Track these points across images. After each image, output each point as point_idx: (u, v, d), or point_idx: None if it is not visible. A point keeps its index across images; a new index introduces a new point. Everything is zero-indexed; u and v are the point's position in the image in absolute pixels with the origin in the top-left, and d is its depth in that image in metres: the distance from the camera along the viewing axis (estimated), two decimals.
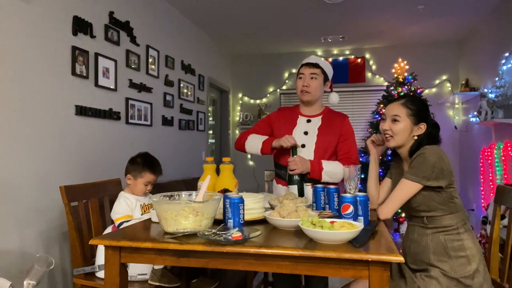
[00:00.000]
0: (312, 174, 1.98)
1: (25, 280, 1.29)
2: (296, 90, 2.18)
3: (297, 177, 1.91)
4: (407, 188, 1.57)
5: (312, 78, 2.07)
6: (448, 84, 5.31)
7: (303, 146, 2.08)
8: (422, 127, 1.66)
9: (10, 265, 2.04)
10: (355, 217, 1.37)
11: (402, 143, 1.69)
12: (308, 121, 2.14)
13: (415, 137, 1.67)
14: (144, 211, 2.13)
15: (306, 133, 2.10)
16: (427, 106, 1.74)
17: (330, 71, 2.15)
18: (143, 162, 2.13)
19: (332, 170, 2.00)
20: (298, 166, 1.91)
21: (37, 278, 1.30)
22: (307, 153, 2.07)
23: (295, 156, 1.95)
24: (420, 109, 1.68)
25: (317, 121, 2.13)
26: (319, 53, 5.73)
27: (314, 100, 2.13)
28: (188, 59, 4.38)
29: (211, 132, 5.44)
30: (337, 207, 1.57)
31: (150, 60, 3.50)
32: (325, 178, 1.99)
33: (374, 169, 1.86)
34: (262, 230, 1.34)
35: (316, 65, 2.08)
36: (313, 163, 1.97)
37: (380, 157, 1.99)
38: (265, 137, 2.12)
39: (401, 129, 1.66)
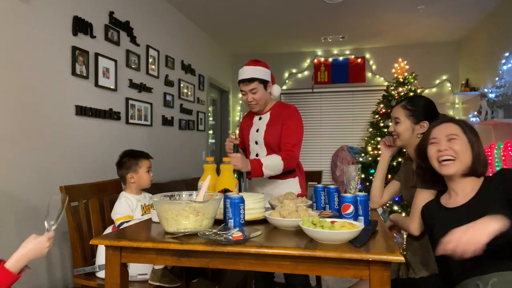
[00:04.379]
0: (253, 172, 1.95)
1: (45, 220, 1.32)
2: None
3: (235, 174, 1.87)
4: (424, 197, 1.58)
5: (253, 93, 2.13)
6: (448, 84, 5.31)
7: (256, 143, 2.21)
8: (425, 125, 1.73)
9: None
10: (355, 217, 1.37)
11: (407, 142, 1.77)
12: (260, 118, 2.25)
13: (419, 136, 1.71)
14: (145, 212, 2.13)
15: (257, 130, 2.21)
16: (429, 104, 1.78)
17: (266, 74, 2.16)
18: (132, 155, 2.21)
19: (271, 162, 1.99)
20: (238, 163, 1.87)
21: (55, 217, 1.32)
22: (260, 149, 2.19)
23: (237, 153, 1.92)
24: (419, 108, 1.75)
25: (266, 117, 2.23)
26: (319, 53, 5.72)
27: (263, 104, 2.20)
28: (188, 59, 4.37)
29: (211, 132, 5.44)
30: (337, 207, 1.58)
31: (150, 60, 3.50)
32: (267, 172, 1.98)
33: (381, 169, 1.93)
34: (262, 230, 1.34)
35: (251, 80, 2.11)
36: (252, 162, 1.96)
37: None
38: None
39: (403, 129, 1.76)
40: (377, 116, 4.80)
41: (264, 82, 2.15)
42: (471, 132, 1.45)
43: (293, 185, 2.18)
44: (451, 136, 1.43)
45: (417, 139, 1.72)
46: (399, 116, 1.77)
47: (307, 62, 5.76)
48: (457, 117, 5.13)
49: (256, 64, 2.17)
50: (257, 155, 2.21)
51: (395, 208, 4.30)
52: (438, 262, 1.50)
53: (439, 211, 1.46)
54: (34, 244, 1.30)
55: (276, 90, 2.22)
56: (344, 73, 5.62)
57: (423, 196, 1.57)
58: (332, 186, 1.65)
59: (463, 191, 1.42)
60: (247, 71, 2.15)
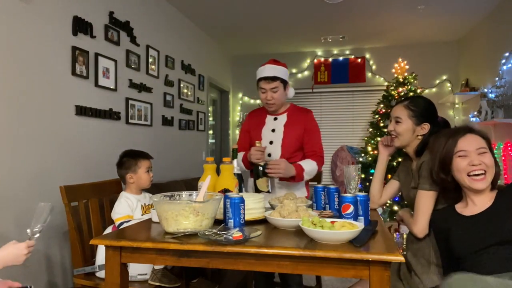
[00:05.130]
0: (298, 178, 2.04)
1: (29, 228, 1.33)
2: (260, 101, 2.29)
3: (261, 172, 1.95)
4: (427, 198, 1.58)
5: (274, 92, 2.15)
6: (448, 84, 5.31)
7: (271, 142, 2.20)
8: (426, 127, 1.68)
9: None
10: (355, 217, 1.37)
11: (406, 143, 1.73)
12: (275, 119, 2.25)
13: (419, 137, 1.69)
14: (145, 212, 2.13)
15: (273, 130, 2.22)
16: (431, 106, 1.74)
17: (286, 75, 2.20)
18: (132, 154, 2.21)
19: (310, 168, 2.09)
20: (282, 171, 1.94)
21: (39, 226, 1.34)
22: (275, 149, 2.18)
23: (280, 160, 1.98)
24: (422, 110, 1.70)
25: (283, 118, 2.24)
26: (319, 53, 5.72)
27: (280, 104, 2.23)
28: (188, 59, 4.37)
29: (211, 132, 5.44)
30: (337, 207, 1.58)
31: (150, 60, 3.50)
32: (306, 177, 2.09)
33: (380, 169, 1.90)
34: (262, 230, 1.34)
35: (274, 78, 2.12)
36: (296, 167, 2.03)
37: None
38: (242, 153, 2.21)
39: (403, 130, 1.71)
40: (377, 116, 4.80)
41: (284, 83, 2.17)
42: (491, 144, 1.46)
43: (301, 187, 2.23)
44: (482, 150, 1.42)
45: (417, 140, 1.70)
46: (400, 116, 1.72)
47: (307, 62, 5.76)
48: (456, 117, 5.16)
49: (277, 63, 2.18)
50: (269, 155, 2.19)
51: (395, 208, 4.30)
52: (451, 266, 1.48)
53: (455, 218, 1.46)
54: (12, 249, 1.28)
55: (291, 92, 2.25)
56: (344, 73, 5.62)
57: (432, 198, 1.56)
58: (332, 186, 1.64)
59: (481, 202, 1.43)
60: (270, 70, 2.15)
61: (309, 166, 2.09)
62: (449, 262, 1.48)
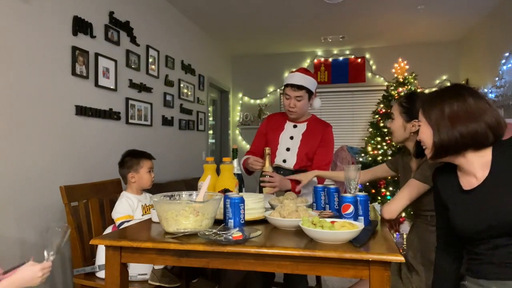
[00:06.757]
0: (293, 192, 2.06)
1: (45, 250, 1.35)
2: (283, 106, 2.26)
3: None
4: (415, 187, 1.55)
5: (298, 100, 2.15)
6: (448, 84, 5.31)
7: (287, 149, 2.21)
8: (417, 125, 1.62)
9: (10, 265, 2.03)
10: (355, 217, 1.37)
11: (401, 139, 1.71)
12: (295, 126, 2.27)
13: (412, 134, 1.65)
14: (145, 212, 2.13)
15: (291, 137, 2.23)
16: None
17: (314, 86, 2.21)
18: (135, 154, 2.22)
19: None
20: (277, 185, 1.95)
21: (55, 248, 1.35)
22: (291, 156, 2.19)
23: (274, 174, 1.97)
24: (414, 106, 1.64)
25: (302, 127, 2.25)
26: (319, 53, 5.72)
27: (301, 113, 2.23)
28: (188, 59, 4.37)
29: (211, 132, 5.44)
30: (337, 207, 1.58)
31: (150, 60, 3.50)
32: (303, 191, 2.10)
33: (331, 176, 1.99)
34: (262, 230, 1.34)
35: (300, 87, 2.12)
36: (292, 183, 2.03)
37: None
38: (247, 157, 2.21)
39: (395, 127, 1.71)
40: (377, 116, 4.80)
41: (310, 93, 2.18)
42: (431, 105, 1.24)
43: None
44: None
45: (412, 137, 1.64)
46: (393, 112, 1.72)
47: (307, 62, 5.76)
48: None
49: (307, 73, 2.19)
50: (284, 160, 2.20)
51: None
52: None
53: (456, 192, 1.26)
54: (28, 272, 1.32)
55: (317, 102, 2.26)
56: (344, 73, 5.62)
57: (419, 190, 1.53)
58: (332, 186, 1.64)
59: (470, 169, 1.21)
60: (298, 78, 2.15)
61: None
62: (452, 245, 1.35)
